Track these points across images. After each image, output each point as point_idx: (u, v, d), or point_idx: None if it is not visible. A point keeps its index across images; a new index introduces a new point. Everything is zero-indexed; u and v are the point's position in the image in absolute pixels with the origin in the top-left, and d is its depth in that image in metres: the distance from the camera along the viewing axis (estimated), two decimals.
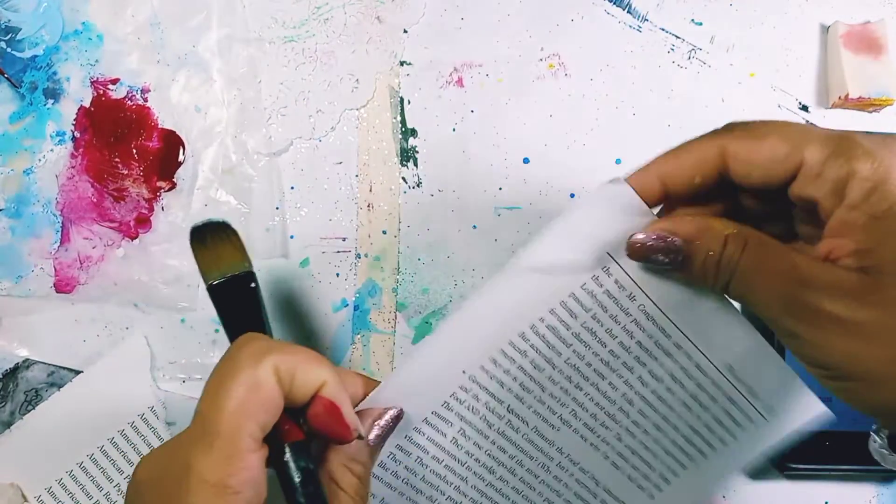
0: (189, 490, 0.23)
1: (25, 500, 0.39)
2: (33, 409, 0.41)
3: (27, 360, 0.41)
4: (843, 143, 0.23)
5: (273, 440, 0.26)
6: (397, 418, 0.30)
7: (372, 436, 0.29)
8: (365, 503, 0.29)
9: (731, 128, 0.26)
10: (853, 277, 0.23)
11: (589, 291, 0.28)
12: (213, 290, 0.31)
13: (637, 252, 0.26)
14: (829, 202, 0.23)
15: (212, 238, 0.33)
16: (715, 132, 0.26)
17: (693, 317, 0.28)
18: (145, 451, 0.41)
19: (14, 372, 0.41)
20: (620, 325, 0.28)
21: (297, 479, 0.26)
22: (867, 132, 0.24)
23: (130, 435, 0.41)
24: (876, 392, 0.23)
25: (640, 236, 0.26)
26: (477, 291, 0.29)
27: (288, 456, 0.26)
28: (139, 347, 0.41)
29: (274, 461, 0.26)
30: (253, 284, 0.32)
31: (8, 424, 0.41)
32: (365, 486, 0.29)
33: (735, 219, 0.26)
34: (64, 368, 0.42)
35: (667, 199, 0.27)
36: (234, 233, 0.33)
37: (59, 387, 0.41)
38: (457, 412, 0.30)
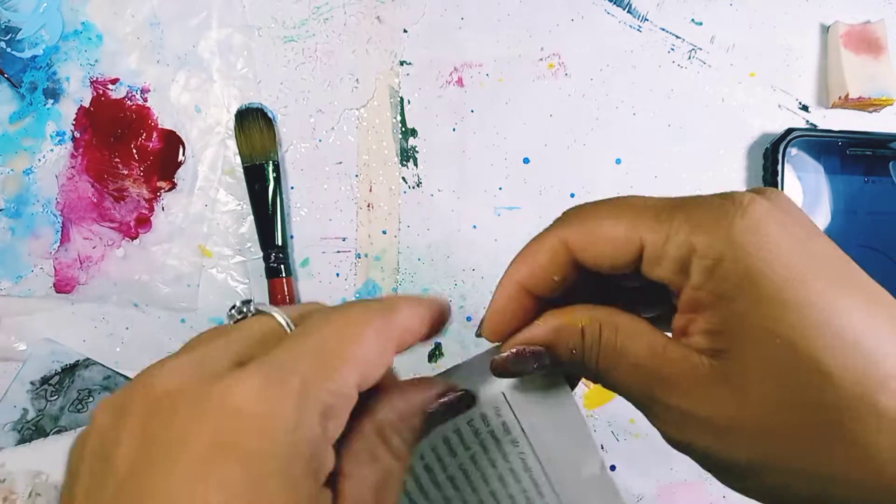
0: None
1: None
2: (84, 408, 0.41)
3: (87, 359, 0.41)
4: (677, 217, 0.22)
5: None
6: (460, 403, 0.26)
7: (433, 406, 0.25)
8: (403, 476, 0.25)
9: (568, 216, 0.24)
10: (704, 365, 0.21)
11: (474, 429, 0.27)
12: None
13: (501, 370, 0.25)
14: (676, 281, 0.22)
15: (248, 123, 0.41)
16: (556, 223, 0.25)
17: (572, 479, 0.27)
18: None
19: (73, 368, 0.41)
20: (497, 469, 0.27)
21: None
22: (706, 196, 0.22)
23: None
24: (742, 482, 0.22)
25: (499, 357, 0.25)
26: None
27: None
28: None
29: None
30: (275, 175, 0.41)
31: (56, 419, 0.41)
32: (407, 459, 0.25)
33: (617, 298, 0.24)
34: (120, 374, 0.42)
35: (541, 303, 0.26)
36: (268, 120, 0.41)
37: (112, 391, 0.41)
38: None
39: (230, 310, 0.25)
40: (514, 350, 0.25)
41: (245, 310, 0.24)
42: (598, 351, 0.24)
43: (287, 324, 0.23)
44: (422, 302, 0.25)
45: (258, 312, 0.24)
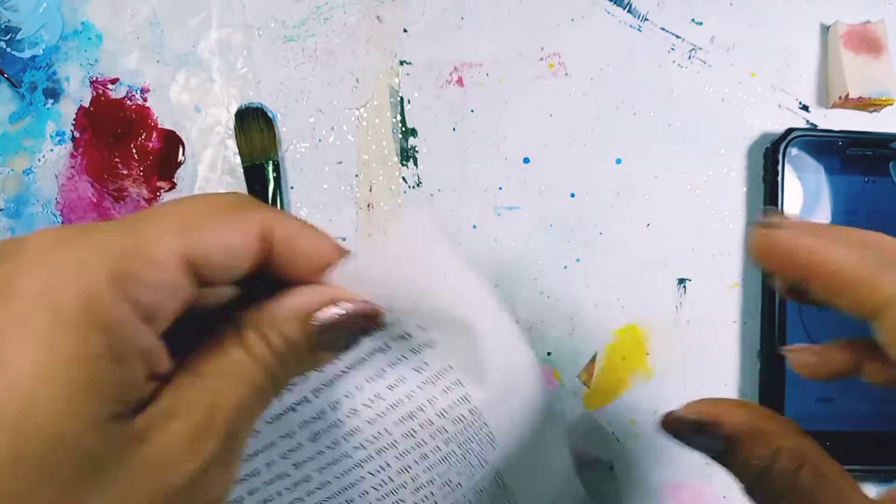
0: None
1: None
2: None
3: None
4: None
5: None
6: (368, 319, 0.20)
7: (322, 315, 0.20)
8: (268, 393, 0.19)
9: None
10: None
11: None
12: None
13: (671, 428, 0.22)
14: None
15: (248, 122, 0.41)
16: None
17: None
18: None
19: None
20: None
21: None
22: None
23: None
24: None
25: (680, 413, 0.22)
26: None
27: None
28: None
29: None
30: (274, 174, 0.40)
31: None
32: (276, 374, 0.19)
33: None
34: None
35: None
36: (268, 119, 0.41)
37: None
38: None
39: None
40: (695, 415, 0.22)
41: None
42: (787, 486, 0.20)
43: None
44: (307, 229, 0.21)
45: None
